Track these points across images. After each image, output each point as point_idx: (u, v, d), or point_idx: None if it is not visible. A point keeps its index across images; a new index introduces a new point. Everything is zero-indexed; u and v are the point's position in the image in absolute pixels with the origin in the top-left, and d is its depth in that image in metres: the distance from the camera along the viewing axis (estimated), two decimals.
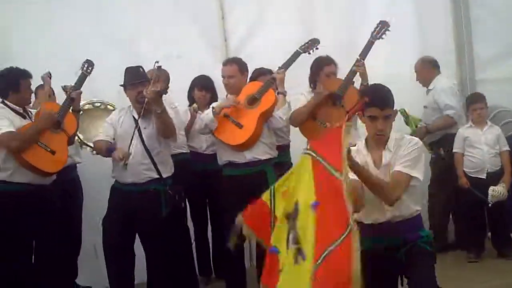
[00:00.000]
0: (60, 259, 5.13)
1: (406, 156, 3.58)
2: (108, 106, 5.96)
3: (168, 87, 4.97)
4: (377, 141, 3.67)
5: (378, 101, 3.60)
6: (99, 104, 5.99)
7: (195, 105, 5.85)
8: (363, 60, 5.37)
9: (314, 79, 5.59)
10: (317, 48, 5.51)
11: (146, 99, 4.86)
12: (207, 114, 5.17)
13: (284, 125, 5.39)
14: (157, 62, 4.96)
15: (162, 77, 5.70)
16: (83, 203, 5.89)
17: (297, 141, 5.68)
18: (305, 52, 5.46)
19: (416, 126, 6.30)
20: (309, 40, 5.52)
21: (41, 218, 4.89)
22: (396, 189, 3.51)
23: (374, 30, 5.45)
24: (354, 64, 5.38)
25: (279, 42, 6.25)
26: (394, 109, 3.72)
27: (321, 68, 5.51)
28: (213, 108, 5.16)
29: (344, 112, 5.02)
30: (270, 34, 6.58)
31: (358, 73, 5.39)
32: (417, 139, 3.73)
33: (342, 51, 5.99)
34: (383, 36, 5.43)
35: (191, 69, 6.19)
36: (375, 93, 3.69)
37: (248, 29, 6.68)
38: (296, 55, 5.43)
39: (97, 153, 5.33)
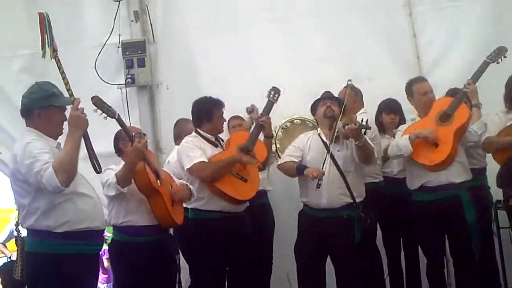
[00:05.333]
0: (253, 285, 5.16)
1: None
2: (307, 122, 5.98)
3: (368, 123, 4.83)
4: None
5: None
6: (299, 121, 6.04)
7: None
8: None
9: (510, 99, 5.19)
10: (505, 57, 5.15)
11: (337, 130, 4.85)
12: (405, 146, 4.98)
13: (479, 139, 5.07)
14: (350, 80, 4.97)
15: (358, 97, 5.59)
16: (274, 228, 5.91)
17: (494, 163, 5.29)
18: (493, 62, 5.13)
19: None
20: (496, 49, 5.18)
21: (234, 244, 4.94)
22: None
23: None
24: None
25: (475, 57, 5.76)
26: None
27: None
28: (410, 137, 4.97)
29: None
30: (464, 51, 6.20)
31: None
32: None
33: None
34: None
35: (382, 91, 6.00)
36: None
37: (441, 46, 6.35)
38: (484, 65, 5.13)
39: (283, 173, 5.28)
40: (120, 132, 4.83)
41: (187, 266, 5.52)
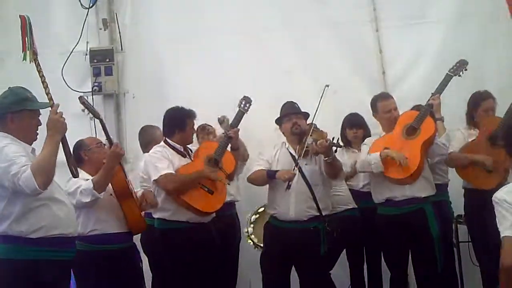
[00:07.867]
0: None
1: None
2: None
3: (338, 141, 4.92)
4: None
5: None
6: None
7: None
8: None
9: (471, 115, 5.34)
10: (465, 69, 5.23)
11: (307, 145, 4.91)
12: (375, 164, 5.01)
13: (448, 152, 5.14)
14: (327, 85, 4.99)
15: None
16: (240, 239, 5.95)
17: (456, 180, 5.45)
18: (455, 75, 5.22)
19: None
20: (457, 62, 5.27)
21: (200, 253, 4.93)
22: None
23: None
24: None
25: (438, 73, 5.85)
26: None
27: (479, 104, 5.28)
28: (380, 155, 5.00)
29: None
30: (428, 67, 6.36)
31: None
32: None
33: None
34: None
35: (348, 104, 6.10)
36: None
37: (406, 62, 6.51)
38: (447, 78, 5.21)
39: (253, 183, 5.30)
40: (81, 141, 4.84)
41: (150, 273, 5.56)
